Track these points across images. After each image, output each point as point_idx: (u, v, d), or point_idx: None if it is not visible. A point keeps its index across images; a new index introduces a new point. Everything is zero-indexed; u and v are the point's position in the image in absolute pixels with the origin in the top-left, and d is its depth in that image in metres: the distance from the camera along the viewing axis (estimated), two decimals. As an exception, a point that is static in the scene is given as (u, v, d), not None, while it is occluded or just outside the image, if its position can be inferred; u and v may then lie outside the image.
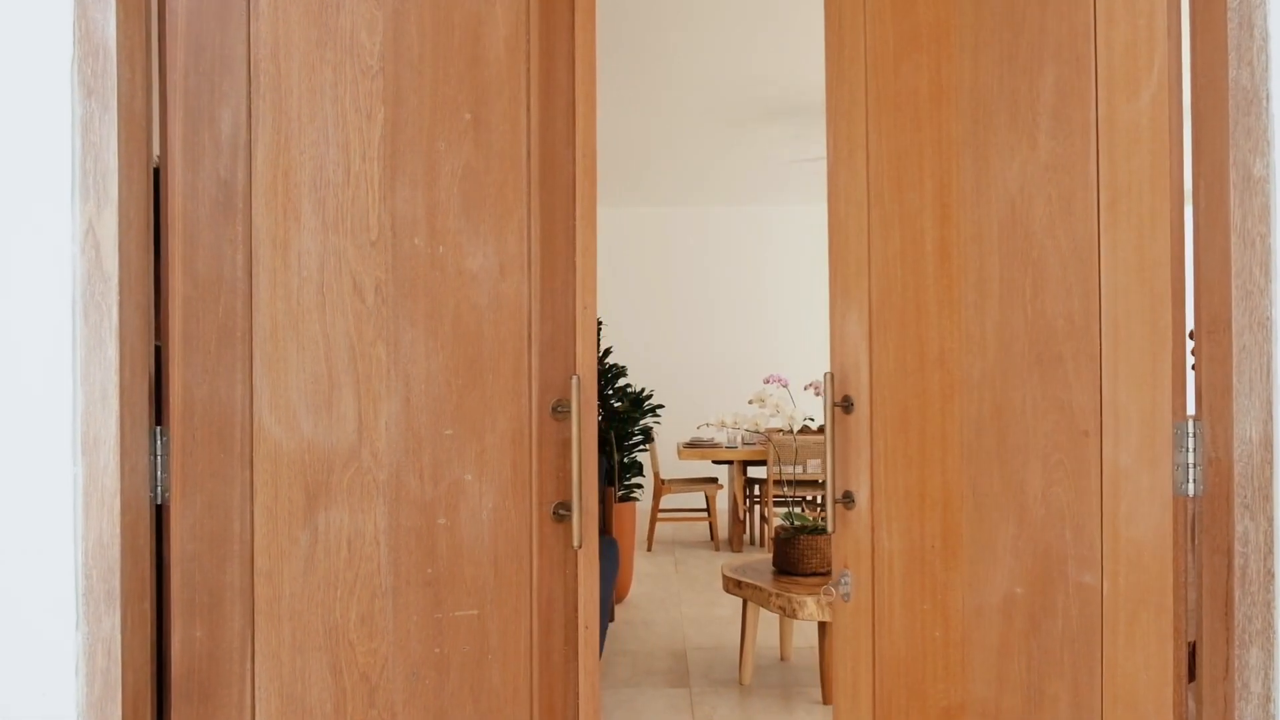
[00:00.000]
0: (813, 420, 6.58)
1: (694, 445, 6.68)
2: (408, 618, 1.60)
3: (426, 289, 1.61)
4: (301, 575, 1.55)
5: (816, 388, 7.24)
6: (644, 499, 8.66)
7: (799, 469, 6.42)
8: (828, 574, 3.74)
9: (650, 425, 5.15)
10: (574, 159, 1.70)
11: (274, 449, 1.54)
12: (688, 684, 3.91)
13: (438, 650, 1.62)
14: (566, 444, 1.69)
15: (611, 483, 5.03)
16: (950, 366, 1.72)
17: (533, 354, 1.67)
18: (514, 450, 1.66)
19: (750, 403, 3.75)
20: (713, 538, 6.81)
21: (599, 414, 5.02)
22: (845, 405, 1.92)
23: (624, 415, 4.96)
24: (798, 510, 3.81)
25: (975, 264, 1.68)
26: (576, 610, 1.70)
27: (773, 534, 4.54)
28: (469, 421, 1.63)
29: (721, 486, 6.78)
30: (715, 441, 6.80)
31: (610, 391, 5.03)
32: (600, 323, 4.80)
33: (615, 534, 4.97)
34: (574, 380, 1.63)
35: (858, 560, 1.90)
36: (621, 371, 4.94)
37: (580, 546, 1.64)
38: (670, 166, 7.11)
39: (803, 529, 3.72)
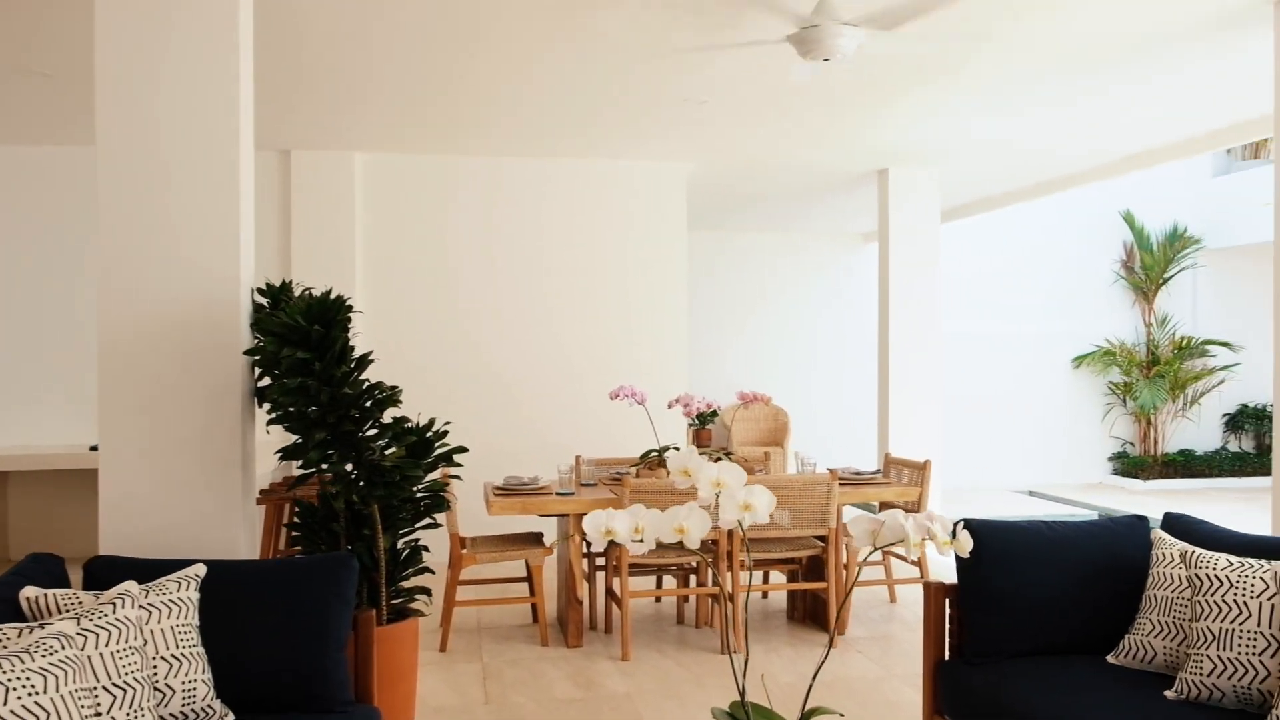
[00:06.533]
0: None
1: (508, 491, 4.57)
2: None
3: None
4: None
5: (685, 404, 5.11)
6: (432, 591, 6.40)
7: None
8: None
9: (445, 483, 2.98)
10: None
11: None
12: None
13: None
14: None
15: (375, 601, 2.81)
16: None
17: None
18: None
19: (670, 475, 1.70)
20: (537, 621, 4.71)
21: (348, 472, 2.77)
22: None
23: (400, 473, 2.76)
24: (753, 701, 1.79)
25: None
26: None
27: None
28: None
29: (551, 550, 4.70)
30: (540, 484, 4.72)
31: (372, 431, 2.81)
32: (349, 309, 2.58)
33: (378, 687, 2.76)
34: None
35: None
36: (392, 397, 2.73)
37: None
38: (448, 91, 4.92)
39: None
